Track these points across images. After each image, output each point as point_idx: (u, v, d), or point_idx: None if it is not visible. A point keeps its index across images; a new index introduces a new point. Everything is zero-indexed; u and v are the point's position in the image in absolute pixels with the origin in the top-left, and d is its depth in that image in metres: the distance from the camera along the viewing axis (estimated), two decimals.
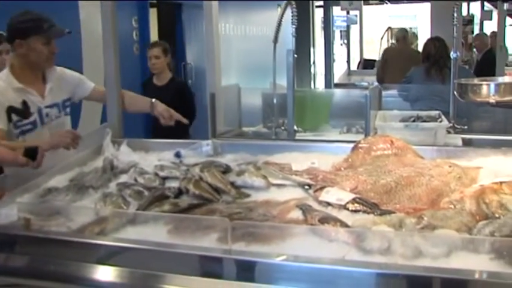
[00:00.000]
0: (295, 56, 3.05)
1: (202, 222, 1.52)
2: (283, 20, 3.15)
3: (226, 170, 1.99)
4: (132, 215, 1.62)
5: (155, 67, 4.48)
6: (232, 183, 1.86)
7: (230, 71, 5.79)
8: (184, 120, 2.67)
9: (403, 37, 7.24)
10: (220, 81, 3.08)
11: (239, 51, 6.36)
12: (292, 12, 3.10)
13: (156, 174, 2.00)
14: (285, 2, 3.14)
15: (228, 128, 3.24)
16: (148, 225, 1.56)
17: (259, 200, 1.77)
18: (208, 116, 2.99)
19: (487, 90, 2.05)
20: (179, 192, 1.83)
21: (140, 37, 5.59)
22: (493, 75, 4.35)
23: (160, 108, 2.65)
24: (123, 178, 2.01)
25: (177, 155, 2.21)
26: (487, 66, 6.51)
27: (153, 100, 2.69)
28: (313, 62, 9.12)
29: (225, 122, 3.11)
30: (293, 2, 3.09)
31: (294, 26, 3.11)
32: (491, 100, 2.05)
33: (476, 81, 2.31)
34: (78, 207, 1.74)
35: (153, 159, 2.20)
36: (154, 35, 6.01)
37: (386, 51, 7.34)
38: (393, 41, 7.92)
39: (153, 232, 1.51)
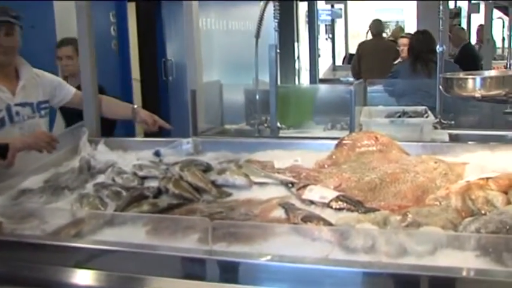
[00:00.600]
0: (278, 51, 3.03)
1: (182, 222, 1.49)
2: (265, 14, 3.12)
3: (207, 168, 1.96)
4: (109, 216, 1.59)
5: (68, 69, 3.79)
6: (213, 182, 1.83)
7: (211, 67, 5.72)
8: (168, 126, 2.62)
9: (378, 29, 7.08)
10: (201, 77, 3.04)
11: (221, 46, 6.28)
12: (274, 6, 3.06)
13: (135, 174, 1.95)
14: None
15: (209, 125, 3.20)
16: (127, 227, 1.52)
17: (240, 199, 1.74)
18: (189, 113, 2.95)
19: (473, 84, 2.03)
20: (158, 192, 1.80)
21: (118, 32, 5.48)
22: (473, 69, 4.35)
23: (143, 115, 2.59)
24: (101, 178, 1.97)
25: (157, 153, 2.17)
26: (465, 61, 6.47)
27: (135, 106, 2.64)
28: (298, 57, 9.07)
29: (206, 120, 3.08)
30: None
31: (276, 21, 3.08)
32: (477, 94, 2.03)
33: (461, 75, 2.30)
34: (53, 209, 1.70)
35: (132, 158, 2.16)
36: (133, 30, 5.92)
37: (360, 45, 7.01)
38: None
39: (132, 233, 1.47)
